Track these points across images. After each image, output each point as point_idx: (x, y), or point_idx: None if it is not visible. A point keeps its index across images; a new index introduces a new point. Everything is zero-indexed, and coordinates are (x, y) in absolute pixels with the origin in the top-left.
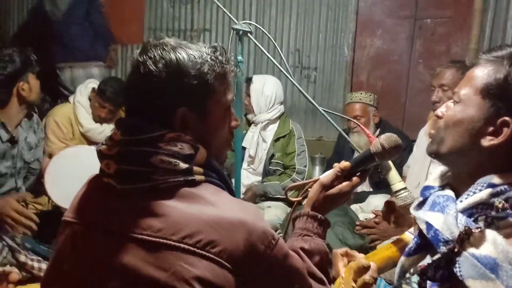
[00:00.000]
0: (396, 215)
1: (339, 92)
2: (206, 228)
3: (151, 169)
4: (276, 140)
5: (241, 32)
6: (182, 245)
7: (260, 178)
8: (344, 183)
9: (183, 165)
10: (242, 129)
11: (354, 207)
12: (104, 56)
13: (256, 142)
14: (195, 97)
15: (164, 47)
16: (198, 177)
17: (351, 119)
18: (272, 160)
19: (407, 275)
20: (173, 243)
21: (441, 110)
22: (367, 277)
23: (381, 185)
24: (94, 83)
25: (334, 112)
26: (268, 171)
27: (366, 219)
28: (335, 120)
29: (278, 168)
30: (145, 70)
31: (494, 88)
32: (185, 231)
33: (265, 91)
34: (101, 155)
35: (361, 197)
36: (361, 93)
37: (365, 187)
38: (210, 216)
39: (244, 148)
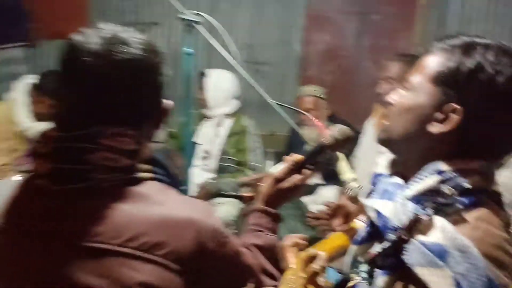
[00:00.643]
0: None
1: (291, 87)
2: (152, 229)
3: (91, 167)
4: (230, 136)
5: (189, 23)
6: (124, 249)
7: (213, 175)
8: (297, 176)
9: (126, 162)
10: (193, 125)
11: (305, 199)
12: (24, 36)
13: (212, 138)
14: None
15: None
16: (142, 175)
17: (302, 112)
18: (224, 157)
19: (357, 263)
20: (114, 248)
21: (392, 97)
22: (315, 266)
23: (332, 177)
24: (31, 79)
25: (284, 105)
26: (221, 168)
27: (317, 211)
28: (287, 115)
29: (231, 165)
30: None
31: (445, 76)
32: (128, 234)
33: (223, 85)
34: (33, 154)
35: (312, 189)
36: (312, 87)
37: (316, 179)
38: (156, 216)
39: (195, 144)
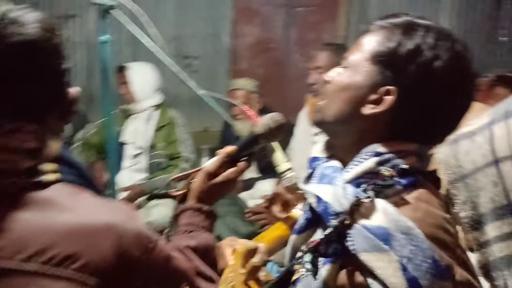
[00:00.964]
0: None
1: (222, 81)
2: (62, 240)
3: None
4: (158, 129)
5: (103, 7)
6: (29, 266)
7: (145, 175)
8: (231, 170)
9: (26, 163)
10: (116, 124)
11: (242, 195)
12: None
13: (142, 134)
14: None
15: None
16: (48, 177)
17: (235, 102)
18: (154, 153)
19: (299, 254)
20: (17, 265)
21: (329, 75)
22: (255, 259)
23: (268, 170)
24: None
25: (217, 95)
26: (152, 165)
27: (255, 205)
28: (220, 108)
29: (162, 159)
30: None
31: (384, 55)
32: (33, 247)
33: (147, 76)
34: None
35: (249, 184)
36: (244, 80)
37: (252, 173)
38: (66, 224)
39: (122, 145)
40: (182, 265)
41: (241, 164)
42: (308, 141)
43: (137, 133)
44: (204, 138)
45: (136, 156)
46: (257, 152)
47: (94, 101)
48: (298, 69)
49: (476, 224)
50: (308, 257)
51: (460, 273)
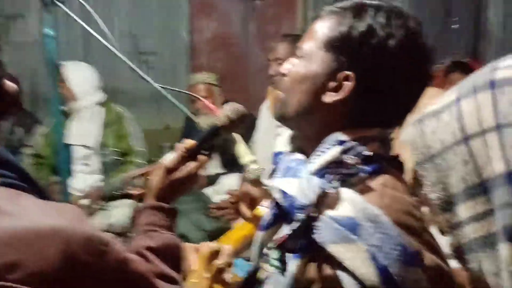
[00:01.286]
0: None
1: (181, 77)
2: (1, 248)
3: None
4: (106, 127)
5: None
6: None
7: (97, 177)
8: (191, 164)
9: None
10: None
11: (207, 191)
12: None
13: (87, 133)
14: None
15: None
16: None
17: (196, 96)
18: (105, 151)
19: (266, 251)
20: None
21: (286, 67)
22: (219, 261)
23: (233, 165)
24: None
25: (175, 89)
26: (105, 164)
27: (220, 200)
28: (181, 105)
29: (115, 157)
30: None
31: (337, 41)
32: None
33: (86, 73)
34: None
35: (214, 180)
36: (204, 74)
37: (217, 168)
38: (6, 230)
39: (69, 147)
40: (140, 268)
41: (201, 158)
42: (272, 133)
43: (83, 133)
44: (165, 136)
45: (86, 157)
46: (218, 145)
47: (41, 101)
48: (259, 62)
49: (447, 205)
50: (275, 254)
51: (429, 258)
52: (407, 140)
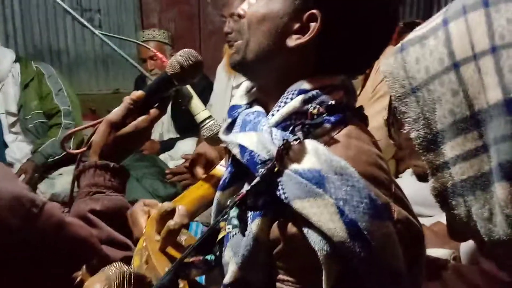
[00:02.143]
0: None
1: (130, 36)
2: None
3: None
4: (24, 87)
5: None
6: None
7: (30, 143)
8: (140, 118)
9: None
10: None
11: (163, 156)
12: None
13: (6, 98)
14: None
15: None
16: None
17: (143, 45)
18: (29, 115)
19: (225, 210)
20: None
21: (242, 7)
22: (171, 222)
23: (188, 129)
24: None
25: (123, 38)
26: (30, 130)
27: (176, 166)
28: (131, 69)
29: (40, 120)
30: None
31: None
32: None
33: None
34: None
35: (169, 145)
36: (153, 31)
37: (172, 133)
38: None
39: None
40: (81, 232)
41: (153, 111)
42: (228, 95)
43: (5, 98)
44: (115, 100)
45: (13, 124)
46: (171, 97)
47: None
48: (213, 23)
49: (431, 144)
50: (234, 212)
51: (398, 211)
52: (386, 71)
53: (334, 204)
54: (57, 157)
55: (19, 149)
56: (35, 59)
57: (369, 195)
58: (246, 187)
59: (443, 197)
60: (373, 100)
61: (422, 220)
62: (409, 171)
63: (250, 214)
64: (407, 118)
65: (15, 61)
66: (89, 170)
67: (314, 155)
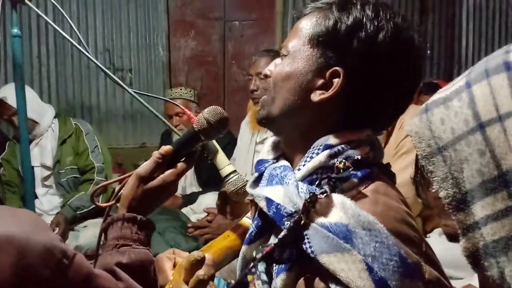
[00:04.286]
0: (231, 206)
1: (159, 94)
2: None
3: None
4: (62, 143)
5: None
6: None
7: (61, 197)
8: (167, 172)
9: None
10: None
11: (185, 210)
12: None
13: (44, 153)
14: None
15: None
16: None
17: (172, 102)
18: (63, 170)
19: (253, 263)
20: None
21: (268, 69)
22: (201, 272)
23: (211, 183)
24: None
25: (152, 95)
26: (62, 184)
27: (198, 220)
28: (157, 124)
29: (74, 175)
30: None
31: (323, 36)
32: None
33: (30, 93)
34: None
35: (191, 199)
36: (180, 89)
37: (194, 187)
38: None
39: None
40: (108, 285)
41: (180, 165)
42: (252, 150)
43: (42, 152)
44: (141, 154)
45: (46, 178)
46: (197, 151)
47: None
48: (237, 82)
49: (461, 203)
50: (261, 266)
51: (429, 271)
52: (412, 131)
53: (362, 261)
54: (85, 210)
55: (48, 202)
56: (71, 115)
57: (399, 252)
58: (273, 240)
59: (475, 258)
60: (397, 156)
61: (452, 282)
62: (437, 231)
63: (275, 268)
64: (435, 177)
65: (54, 117)
66: (117, 222)
67: (341, 209)
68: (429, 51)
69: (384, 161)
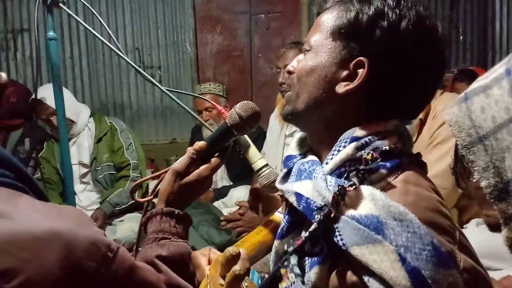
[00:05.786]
0: (263, 201)
1: (188, 90)
2: None
3: None
4: (97, 142)
5: (49, 1)
6: None
7: (98, 193)
8: (202, 167)
9: None
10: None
11: (217, 203)
12: None
13: (81, 151)
14: None
15: None
16: None
17: (201, 97)
18: (99, 167)
19: (285, 257)
20: None
21: (291, 65)
22: (237, 267)
23: (242, 177)
24: None
25: (182, 92)
26: (99, 181)
27: (229, 213)
28: (187, 120)
29: (110, 172)
30: None
31: (345, 28)
32: None
33: (66, 93)
34: None
35: (223, 192)
36: (209, 84)
37: (225, 181)
38: (1, 233)
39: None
40: (150, 278)
41: (214, 160)
42: (281, 143)
43: (79, 150)
44: (172, 149)
45: (84, 175)
46: (230, 146)
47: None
48: (264, 75)
49: (502, 193)
50: (294, 259)
51: (463, 259)
52: (451, 120)
53: (395, 251)
54: (123, 206)
55: (86, 198)
56: (104, 113)
57: (431, 242)
58: (304, 234)
59: None
60: (431, 146)
61: (490, 273)
62: (473, 221)
63: (307, 261)
64: (476, 167)
65: (90, 116)
66: (156, 216)
67: (371, 200)
68: (461, 37)
69: (418, 150)
